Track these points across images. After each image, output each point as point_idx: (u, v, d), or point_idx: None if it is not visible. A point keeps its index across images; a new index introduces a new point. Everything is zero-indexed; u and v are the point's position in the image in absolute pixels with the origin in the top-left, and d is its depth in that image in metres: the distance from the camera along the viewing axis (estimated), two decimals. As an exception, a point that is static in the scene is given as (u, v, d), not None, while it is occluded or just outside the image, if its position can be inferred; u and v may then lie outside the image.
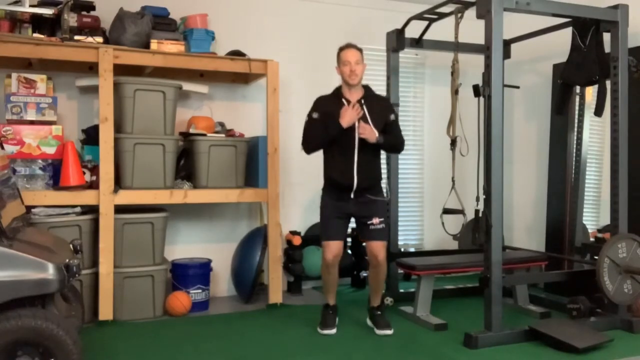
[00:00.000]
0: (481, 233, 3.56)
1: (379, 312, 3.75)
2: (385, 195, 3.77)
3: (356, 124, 3.52)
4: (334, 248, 3.62)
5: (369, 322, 3.81)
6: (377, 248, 3.64)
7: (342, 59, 3.60)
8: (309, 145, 3.65)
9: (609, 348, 3.39)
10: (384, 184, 4.57)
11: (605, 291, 3.60)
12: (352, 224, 4.92)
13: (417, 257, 4.42)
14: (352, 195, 3.60)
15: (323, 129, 3.57)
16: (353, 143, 3.55)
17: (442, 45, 4.63)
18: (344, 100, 3.61)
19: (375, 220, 3.63)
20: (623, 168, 3.78)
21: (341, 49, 3.63)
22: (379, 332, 3.66)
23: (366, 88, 3.71)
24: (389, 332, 3.64)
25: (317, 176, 4.92)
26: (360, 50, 3.63)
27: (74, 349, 2.48)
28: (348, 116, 3.50)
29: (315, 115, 3.63)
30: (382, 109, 3.69)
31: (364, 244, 4.65)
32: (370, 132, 3.52)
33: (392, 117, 3.70)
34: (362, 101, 3.61)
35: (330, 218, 3.66)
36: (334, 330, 3.71)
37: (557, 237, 4.75)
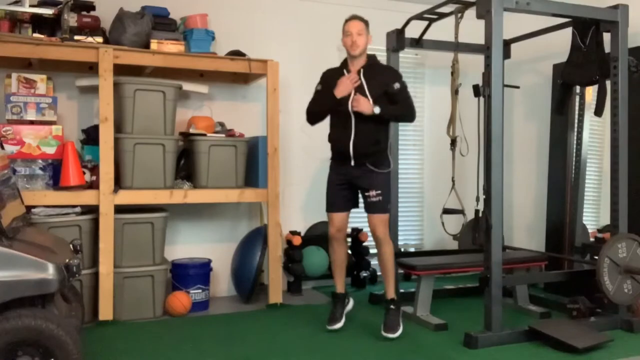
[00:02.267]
0: (481, 233, 3.56)
1: (392, 307, 3.63)
2: (390, 166, 3.71)
3: (352, 94, 3.54)
4: (336, 220, 3.65)
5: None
6: (373, 222, 3.62)
7: (345, 30, 3.65)
8: (310, 116, 3.74)
9: (609, 348, 3.39)
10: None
11: (605, 291, 3.60)
12: (352, 224, 4.93)
13: (417, 257, 4.42)
14: (352, 163, 3.60)
15: (324, 99, 3.62)
16: (348, 111, 3.56)
17: (442, 45, 4.63)
18: (345, 71, 3.65)
19: (372, 193, 3.61)
20: (623, 168, 3.78)
21: (346, 20, 3.68)
22: (382, 332, 3.57)
23: (370, 57, 3.72)
24: (391, 335, 3.53)
25: (317, 176, 4.94)
26: (365, 21, 3.66)
27: (74, 349, 2.48)
28: (343, 86, 3.53)
29: (319, 87, 3.73)
30: (383, 78, 3.65)
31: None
32: (364, 105, 3.51)
33: (397, 85, 3.64)
34: (362, 71, 3.62)
35: (333, 188, 3.69)
36: (339, 324, 3.67)
37: (557, 237, 4.75)
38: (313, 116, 3.74)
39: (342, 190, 3.68)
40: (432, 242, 5.54)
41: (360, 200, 3.75)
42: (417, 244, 5.63)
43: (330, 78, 3.68)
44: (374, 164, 3.61)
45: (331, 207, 3.70)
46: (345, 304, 3.81)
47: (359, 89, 3.56)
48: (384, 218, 3.65)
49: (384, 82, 3.62)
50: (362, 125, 3.56)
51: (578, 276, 4.08)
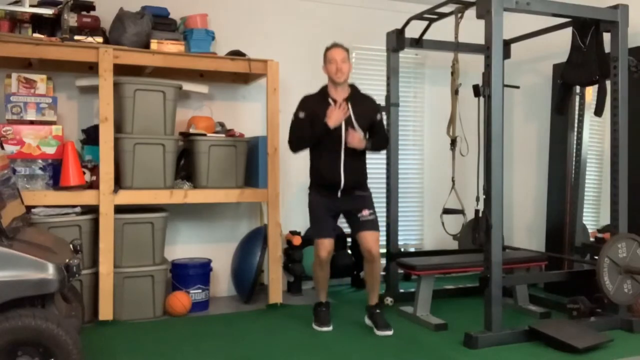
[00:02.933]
0: (481, 233, 3.56)
1: (377, 311, 3.75)
2: (370, 190, 3.80)
3: (342, 124, 3.56)
4: (327, 245, 3.68)
5: (367, 321, 3.81)
6: (369, 239, 3.65)
7: (328, 58, 3.65)
8: (295, 145, 3.72)
9: (609, 348, 3.39)
10: (382, 183, 4.59)
11: (605, 291, 3.60)
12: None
13: (417, 257, 4.42)
14: (339, 194, 3.66)
15: (309, 128, 3.61)
16: (339, 142, 3.60)
17: (442, 45, 4.63)
18: (330, 99, 3.64)
19: (365, 212, 3.68)
20: (623, 168, 3.78)
21: (327, 49, 3.69)
22: (378, 332, 3.64)
23: (352, 87, 3.75)
24: (389, 332, 3.63)
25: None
26: (347, 50, 3.69)
27: (74, 349, 2.48)
28: (335, 116, 3.53)
29: (301, 114, 3.68)
30: (367, 108, 3.73)
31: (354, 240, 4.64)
32: (358, 141, 3.58)
33: (378, 116, 3.76)
34: (348, 100, 3.64)
35: (321, 216, 3.72)
36: (330, 327, 3.74)
37: (557, 237, 4.75)
38: (298, 145, 3.71)
39: (330, 217, 3.74)
40: (432, 242, 5.54)
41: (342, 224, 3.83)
42: (417, 244, 5.63)
43: (313, 106, 3.65)
44: (360, 189, 3.72)
45: (323, 233, 3.70)
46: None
47: (348, 121, 3.60)
48: (379, 235, 3.74)
49: (369, 113, 3.71)
50: (350, 156, 3.62)
51: (578, 276, 4.08)
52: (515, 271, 4.30)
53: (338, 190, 3.65)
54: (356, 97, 3.71)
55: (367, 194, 3.75)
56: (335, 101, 3.62)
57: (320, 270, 3.80)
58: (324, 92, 3.70)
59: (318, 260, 3.74)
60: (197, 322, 3.98)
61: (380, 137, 3.77)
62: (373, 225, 3.69)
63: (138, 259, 4.03)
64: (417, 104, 5.56)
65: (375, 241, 3.67)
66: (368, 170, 3.81)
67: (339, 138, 3.59)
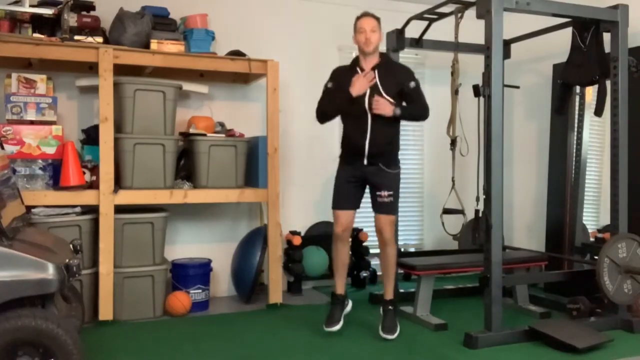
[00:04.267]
0: (481, 233, 3.56)
1: (390, 309, 3.63)
2: (399, 167, 3.69)
3: (367, 92, 3.49)
4: (343, 219, 3.57)
5: (381, 312, 3.69)
6: (382, 222, 3.57)
7: (357, 27, 3.60)
8: (320, 115, 3.66)
9: (609, 348, 3.39)
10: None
11: (605, 291, 3.60)
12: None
13: (417, 257, 4.43)
14: (365, 162, 3.56)
15: (336, 98, 3.56)
16: (364, 110, 3.51)
17: (442, 45, 4.63)
18: (358, 69, 3.60)
19: (384, 193, 3.57)
20: (623, 168, 3.78)
21: (357, 18, 3.63)
22: (382, 333, 3.56)
23: (383, 55, 3.69)
24: (391, 337, 3.53)
25: (317, 176, 4.95)
26: (377, 19, 3.62)
27: (74, 349, 2.47)
28: (358, 85, 3.46)
29: (330, 85, 3.66)
30: (398, 76, 3.62)
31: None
32: (384, 107, 3.47)
33: (412, 84, 3.62)
34: (376, 69, 3.57)
35: (341, 184, 3.61)
36: (338, 327, 3.58)
37: (557, 237, 4.75)
38: (324, 115, 3.66)
39: (352, 187, 3.61)
40: (432, 242, 5.54)
41: (365, 200, 3.70)
42: (417, 244, 5.62)
43: (342, 76, 3.62)
44: (386, 164, 3.59)
45: (339, 204, 3.60)
46: (345, 305, 3.74)
47: (374, 88, 3.51)
48: (393, 219, 3.63)
49: (399, 81, 3.60)
50: (378, 124, 3.52)
51: (578, 276, 4.08)
52: (515, 271, 4.30)
53: (363, 157, 3.54)
54: (386, 65, 3.62)
55: (394, 171, 3.61)
56: (363, 70, 3.57)
57: (336, 249, 3.64)
58: (354, 63, 3.66)
59: (334, 237, 3.60)
60: (197, 322, 3.98)
61: (416, 106, 3.63)
62: (388, 208, 3.58)
63: (138, 259, 4.03)
64: (417, 104, 5.55)
65: (387, 224, 3.57)
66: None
67: (363, 106, 3.50)
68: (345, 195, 3.61)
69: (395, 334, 3.55)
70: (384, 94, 3.51)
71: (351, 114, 3.56)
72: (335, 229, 3.61)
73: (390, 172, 3.61)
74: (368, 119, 3.52)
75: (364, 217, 4.25)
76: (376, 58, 3.63)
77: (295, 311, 4.22)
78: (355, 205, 3.66)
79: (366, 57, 3.61)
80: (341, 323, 3.63)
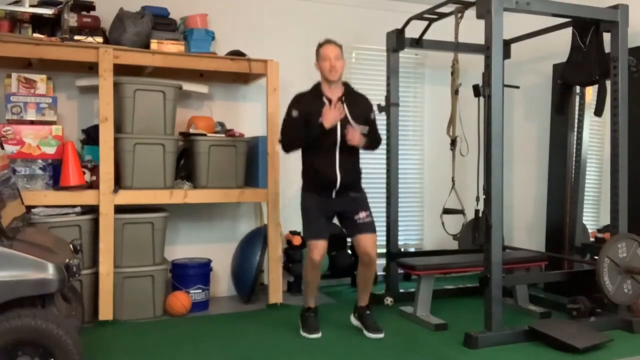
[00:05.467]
0: (481, 233, 3.56)
1: (368, 312, 3.68)
2: (364, 190, 3.71)
3: (338, 124, 3.47)
4: (321, 248, 3.56)
5: (354, 321, 3.75)
6: (368, 242, 3.56)
7: (321, 55, 3.54)
8: (288, 145, 3.59)
9: (609, 348, 3.39)
10: (382, 183, 4.55)
11: (605, 291, 3.60)
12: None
13: (417, 257, 4.42)
14: (334, 195, 3.55)
15: (302, 128, 3.51)
16: (335, 142, 3.50)
17: (442, 45, 4.63)
18: (324, 98, 3.55)
19: (362, 214, 3.58)
20: (623, 168, 3.78)
21: (320, 45, 3.57)
22: (370, 335, 3.58)
23: (346, 85, 3.66)
24: (381, 335, 3.56)
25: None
26: (340, 46, 3.57)
27: (74, 349, 2.48)
28: (331, 116, 3.42)
29: (295, 113, 3.55)
30: (362, 107, 3.64)
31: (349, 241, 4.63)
32: (358, 138, 3.48)
33: (372, 115, 3.67)
34: (343, 99, 3.56)
35: (315, 217, 3.58)
36: (319, 334, 3.61)
37: (557, 237, 4.75)
38: (291, 145, 3.58)
39: (325, 219, 3.62)
40: (432, 242, 5.54)
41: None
42: (417, 244, 5.63)
43: (306, 104, 3.54)
44: (355, 190, 3.63)
45: (318, 234, 3.56)
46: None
47: (344, 120, 3.50)
48: (376, 238, 3.66)
49: (363, 112, 3.62)
50: (346, 155, 3.53)
51: (578, 276, 4.08)
52: (515, 271, 4.30)
53: (333, 190, 3.54)
54: (350, 96, 3.62)
55: (362, 195, 3.66)
56: (330, 100, 3.53)
57: (312, 273, 3.64)
58: (317, 90, 3.60)
59: (310, 263, 3.58)
60: (197, 322, 3.98)
61: (376, 136, 3.70)
62: (370, 227, 3.59)
63: (138, 259, 4.03)
64: (417, 104, 5.56)
65: (373, 244, 3.59)
66: (367, 171, 3.75)
67: (334, 138, 3.48)
68: (321, 226, 3.59)
69: (383, 332, 3.58)
70: (354, 125, 3.50)
71: (319, 146, 3.51)
72: (312, 256, 3.55)
73: (361, 195, 3.65)
74: (336, 150, 3.51)
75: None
76: (340, 87, 3.61)
77: (295, 311, 4.20)
78: (329, 232, 3.66)
79: (330, 86, 3.57)
80: (320, 332, 3.64)
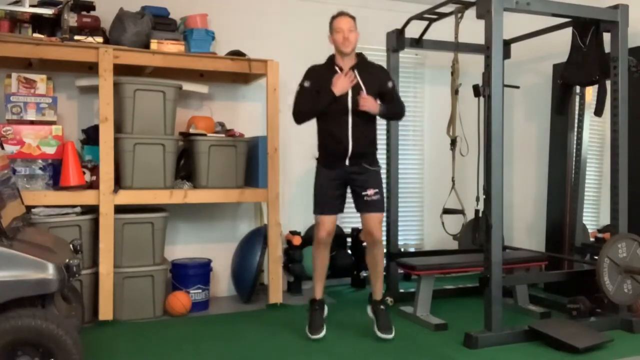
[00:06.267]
0: (481, 233, 3.56)
1: (382, 308, 3.60)
2: (380, 166, 3.65)
3: (349, 92, 3.45)
4: (327, 224, 3.51)
5: (370, 313, 3.66)
6: (372, 221, 3.52)
7: (335, 27, 3.51)
8: (299, 115, 3.54)
9: (609, 348, 3.39)
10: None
11: (605, 291, 3.60)
12: (351, 224, 4.92)
13: (417, 257, 4.42)
14: (347, 162, 3.51)
15: (314, 98, 3.49)
16: (346, 110, 3.46)
17: (442, 45, 4.64)
18: (336, 68, 3.53)
19: (370, 192, 3.52)
20: (623, 168, 3.78)
21: (334, 17, 3.54)
22: (380, 333, 3.54)
23: (360, 56, 3.62)
24: (390, 336, 3.51)
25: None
26: (353, 18, 3.54)
27: (74, 349, 2.48)
28: (340, 84, 3.41)
29: (307, 84, 3.53)
30: (376, 76, 3.59)
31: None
32: (371, 104, 3.44)
33: (390, 84, 3.61)
34: (355, 69, 3.53)
35: (324, 189, 3.53)
36: (323, 333, 3.55)
37: (557, 237, 4.75)
38: (303, 115, 3.53)
39: (335, 191, 3.54)
40: (432, 242, 5.54)
41: (349, 202, 3.65)
42: (417, 244, 5.62)
43: (319, 75, 3.52)
44: (369, 163, 3.56)
45: (323, 209, 3.52)
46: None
47: (356, 88, 3.47)
48: (382, 217, 3.61)
49: (378, 81, 3.57)
50: (359, 124, 3.49)
51: (578, 276, 4.08)
52: (515, 271, 4.30)
53: (346, 157, 3.48)
54: (364, 65, 3.57)
55: (376, 169, 3.57)
56: (341, 69, 3.51)
57: (319, 254, 3.57)
58: (330, 62, 3.58)
59: (316, 241, 3.52)
60: (197, 322, 3.98)
61: (395, 104, 3.60)
62: (377, 206, 3.53)
63: (138, 259, 4.03)
64: (417, 104, 5.56)
65: (378, 223, 3.53)
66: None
67: (345, 106, 3.45)
68: (329, 200, 3.54)
69: (393, 333, 3.54)
70: (365, 92, 3.46)
71: (331, 114, 3.48)
72: (318, 233, 3.52)
73: (374, 170, 3.58)
74: (349, 118, 3.47)
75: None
76: (354, 58, 3.57)
77: (295, 311, 4.22)
78: (339, 209, 3.61)
79: (344, 57, 3.53)
80: (325, 329, 3.59)
